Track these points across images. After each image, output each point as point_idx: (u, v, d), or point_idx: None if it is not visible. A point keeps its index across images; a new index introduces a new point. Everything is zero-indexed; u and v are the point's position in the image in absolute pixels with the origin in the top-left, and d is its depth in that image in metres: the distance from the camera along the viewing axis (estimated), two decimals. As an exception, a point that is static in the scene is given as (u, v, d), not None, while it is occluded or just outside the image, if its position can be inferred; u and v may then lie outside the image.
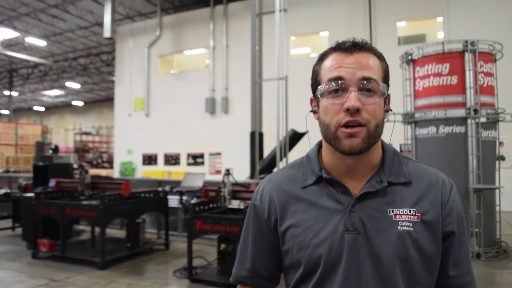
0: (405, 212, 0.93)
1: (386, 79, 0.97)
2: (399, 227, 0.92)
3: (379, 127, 0.93)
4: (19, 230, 7.45)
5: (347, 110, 0.89)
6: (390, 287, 0.91)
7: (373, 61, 0.94)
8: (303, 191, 1.01)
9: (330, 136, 0.94)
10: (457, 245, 0.97)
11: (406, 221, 0.93)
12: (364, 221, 0.93)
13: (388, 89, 0.98)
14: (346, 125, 0.90)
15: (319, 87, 0.96)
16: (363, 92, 0.91)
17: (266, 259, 1.06)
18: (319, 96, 0.97)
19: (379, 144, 1.00)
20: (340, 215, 0.94)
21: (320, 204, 0.97)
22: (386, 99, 0.99)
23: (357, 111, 0.89)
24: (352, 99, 0.89)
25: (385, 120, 0.98)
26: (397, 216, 0.93)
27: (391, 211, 0.94)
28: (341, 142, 0.91)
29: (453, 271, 0.97)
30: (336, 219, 0.94)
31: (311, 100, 1.02)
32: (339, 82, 0.91)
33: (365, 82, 0.91)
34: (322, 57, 0.99)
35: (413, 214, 0.93)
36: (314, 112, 1.01)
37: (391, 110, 1.02)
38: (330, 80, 0.93)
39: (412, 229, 0.92)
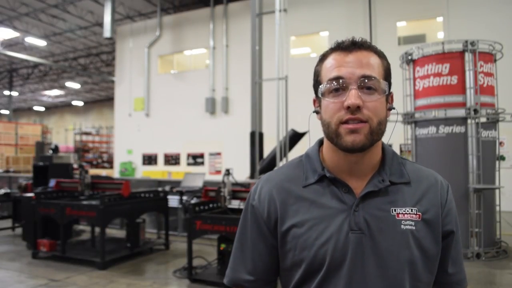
0: (407, 211, 0.94)
1: (387, 76, 0.97)
2: (402, 226, 0.93)
3: (382, 125, 0.93)
4: (19, 230, 7.45)
5: (348, 108, 0.90)
6: (396, 287, 0.91)
7: (373, 59, 0.95)
8: (304, 190, 0.99)
9: (331, 134, 0.94)
10: (454, 244, 1.00)
11: (408, 220, 0.93)
12: (368, 221, 0.93)
13: (390, 87, 0.98)
14: (347, 122, 0.91)
15: (320, 86, 0.97)
16: (364, 90, 0.91)
17: (265, 261, 1.03)
18: (320, 96, 0.97)
19: (380, 143, 1.00)
20: (344, 214, 0.94)
21: (323, 203, 0.96)
22: (389, 97, 0.99)
23: (357, 108, 0.89)
24: (352, 97, 0.89)
25: (388, 118, 0.98)
26: (400, 215, 0.94)
27: (393, 210, 0.94)
28: (343, 139, 0.91)
29: (451, 268, 1.01)
30: (340, 218, 0.94)
31: (314, 101, 1.02)
32: (340, 81, 0.92)
33: (365, 80, 0.91)
34: (323, 57, 1.00)
35: (415, 213, 0.94)
36: (317, 112, 1.01)
37: (394, 108, 1.02)
38: (330, 79, 0.93)
39: (414, 228, 0.93)
